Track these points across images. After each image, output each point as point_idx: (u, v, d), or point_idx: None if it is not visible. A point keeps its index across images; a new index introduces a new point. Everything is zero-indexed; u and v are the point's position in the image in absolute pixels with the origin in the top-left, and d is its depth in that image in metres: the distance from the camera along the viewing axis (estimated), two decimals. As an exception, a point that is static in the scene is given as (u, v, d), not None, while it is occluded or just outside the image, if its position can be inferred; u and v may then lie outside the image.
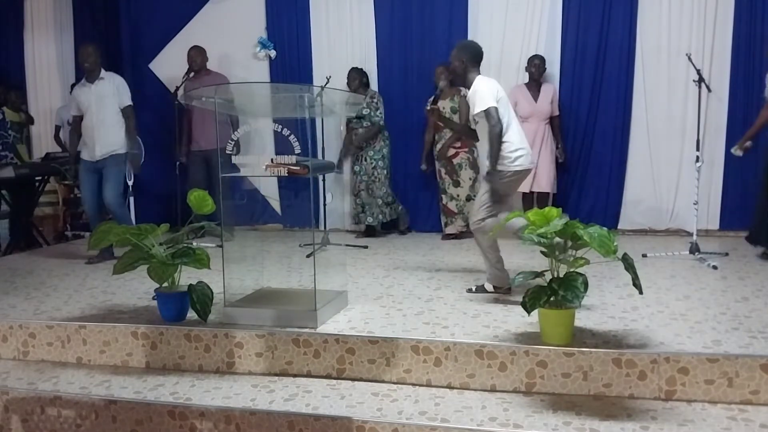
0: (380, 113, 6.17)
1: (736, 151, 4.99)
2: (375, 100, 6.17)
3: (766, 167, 4.89)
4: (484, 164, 4.02)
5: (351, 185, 6.42)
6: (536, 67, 5.87)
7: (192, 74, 6.13)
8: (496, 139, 3.72)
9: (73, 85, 7.23)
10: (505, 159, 3.78)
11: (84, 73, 5.37)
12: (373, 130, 6.17)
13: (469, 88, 3.90)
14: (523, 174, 3.88)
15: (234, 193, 3.72)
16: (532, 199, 5.94)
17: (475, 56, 3.90)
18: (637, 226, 6.11)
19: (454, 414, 2.77)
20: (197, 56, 6.14)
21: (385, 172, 6.25)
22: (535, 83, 5.93)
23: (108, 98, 5.26)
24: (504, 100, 3.83)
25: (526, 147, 3.85)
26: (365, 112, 6.14)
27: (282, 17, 6.70)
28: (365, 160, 6.22)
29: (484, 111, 3.73)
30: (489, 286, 3.94)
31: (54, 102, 7.57)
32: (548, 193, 5.92)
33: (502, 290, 3.89)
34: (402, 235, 6.36)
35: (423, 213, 6.51)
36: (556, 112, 5.98)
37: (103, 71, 5.29)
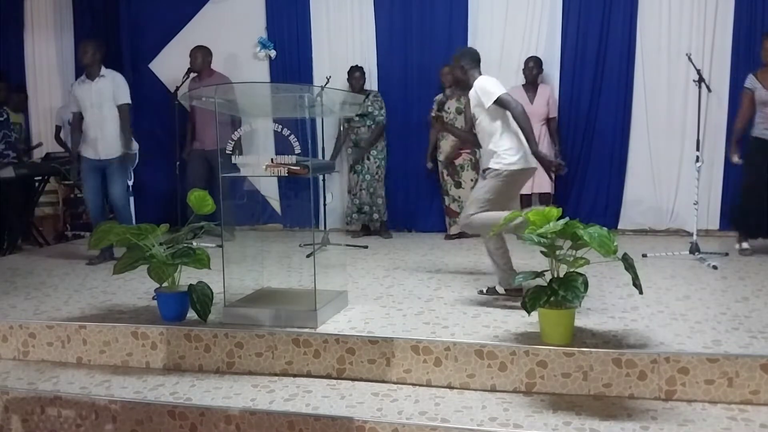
0: (383, 112, 6.20)
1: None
2: (379, 99, 6.19)
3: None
4: (488, 162, 3.93)
5: (349, 184, 6.38)
6: (530, 69, 5.86)
7: (194, 74, 6.11)
8: (523, 117, 3.68)
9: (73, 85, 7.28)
10: (501, 158, 3.76)
11: (83, 70, 5.32)
12: (377, 131, 6.18)
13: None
14: (524, 174, 3.84)
15: (234, 193, 3.72)
16: (531, 201, 5.92)
17: (473, 59, 3.92)
18: (637, 226, 6.11)
19: (454, 414, 2.77)
20: (200, 56, 6.09)
21: (384, 171, 6.29)
22: (531, 85, 5.91)
23: (108, 96, 5.21)
24: None
25: (524, 147, 3.79)
26: (370, 109, 6.14)
27: (282, 17, 6.70)
28: (368, 159, 6.21)
29: (498, 99, 3.70)
30: (500, 289, 3.87)
31: (54, 102, 7.55)
32: (549, 194, 5.92)
33: (512, 292, 3.78)
34: (385, 239, 6.17)
35: (423, 213, 6.51)
36: (553, 114, 5.94)
37: (103, 69, 5.23)
